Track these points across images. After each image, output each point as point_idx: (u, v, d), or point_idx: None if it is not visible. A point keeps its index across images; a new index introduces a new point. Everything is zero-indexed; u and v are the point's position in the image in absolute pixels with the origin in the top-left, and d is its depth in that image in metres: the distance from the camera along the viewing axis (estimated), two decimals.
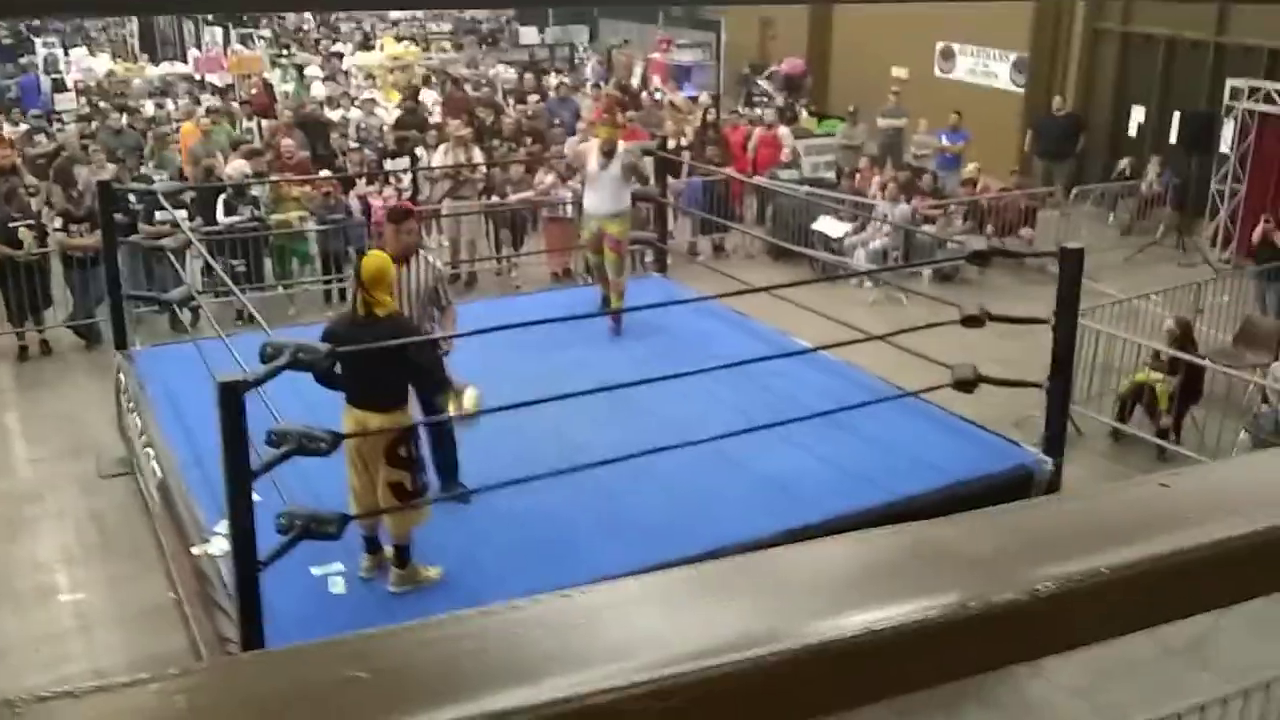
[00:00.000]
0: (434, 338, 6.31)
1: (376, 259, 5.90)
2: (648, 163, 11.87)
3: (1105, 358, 9.83)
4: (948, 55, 19.03)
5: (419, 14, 25.67)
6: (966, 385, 6.84)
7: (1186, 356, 9.25)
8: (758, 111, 17.40)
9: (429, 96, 18.24)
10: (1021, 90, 17.83)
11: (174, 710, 0.61)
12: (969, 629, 0.70)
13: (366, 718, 0.61)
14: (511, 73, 21.53)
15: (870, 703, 0.68)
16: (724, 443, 6.57)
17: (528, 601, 0.67)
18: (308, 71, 20.43)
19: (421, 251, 6.73)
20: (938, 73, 19.11)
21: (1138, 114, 16.57)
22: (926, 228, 13.37)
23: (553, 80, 20.05)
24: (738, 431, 6.60)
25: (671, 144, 14.46)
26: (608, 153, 9.14)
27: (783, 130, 15.97)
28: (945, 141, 16.13)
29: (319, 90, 18.58)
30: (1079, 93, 17.19)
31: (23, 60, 21.80)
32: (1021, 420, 8.62)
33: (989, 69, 18.47)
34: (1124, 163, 16.01)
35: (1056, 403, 7.03)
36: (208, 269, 10.76)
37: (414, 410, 5.94)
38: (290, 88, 19.20)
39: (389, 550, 5.92)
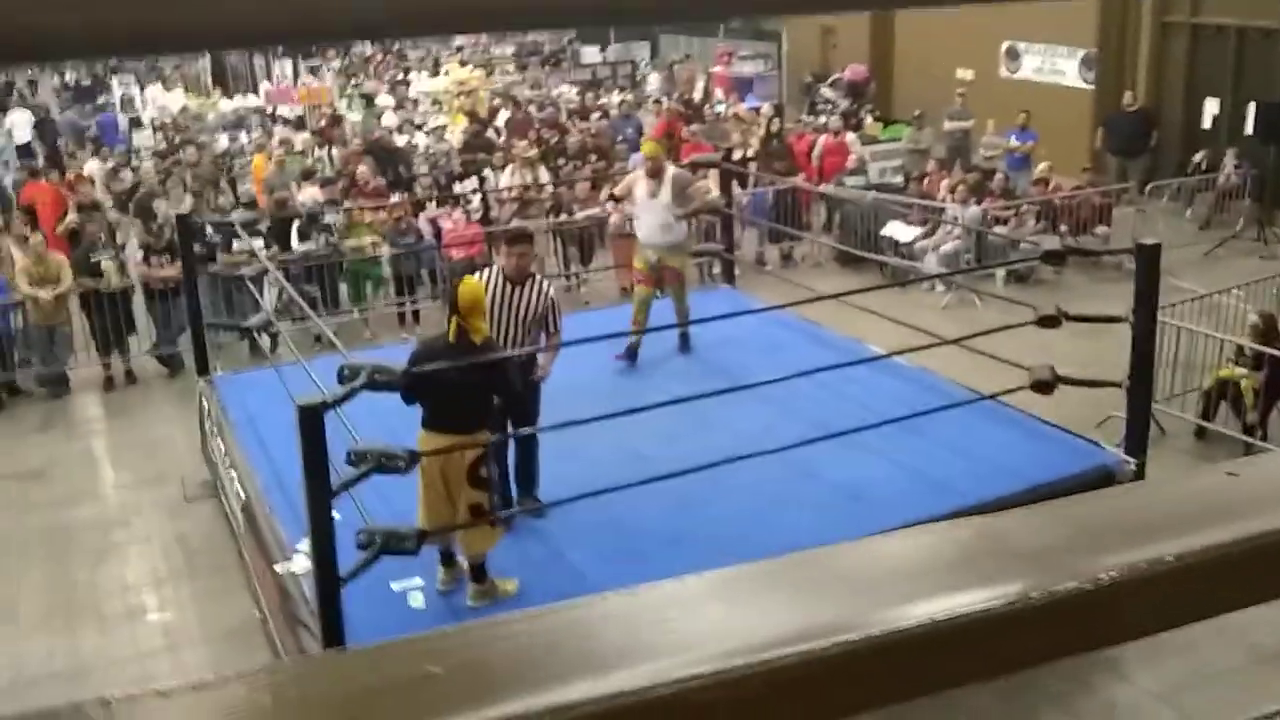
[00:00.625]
0: (511, 353, 6.33)
1: (471, 286, 5.91)
2: (711, 174, 11.87)
3: (1187, 355, 9.62)
4: (1013, 54, 18.82)
5: (482, 38, 25.97)
6: (1045, 387, 6.73)
7: (1271, 351, 9.03)
8: (822, 120, 17.34)
9: (504, 118, 18.44)
10: (1091, 87, 17.56)
11: (258, 707, 0.64)
12: (1032, 619, 0.71)
13: (441, 712, 0.63)
14: (575, 92, 21.70)
15: (934, 693, 0.69)
16: (798, 452, 6.54)
17: (596, 598, 0.69)
18: (377, 100, 20.78)
19: (538, 276, 6.71)
20: (1004, 72, 18.89)
21: (1211, 106, 16.24)
22: (998, 229, 13.21)
23: (615, 98, 20.17)
24: (811, 440, 6.57)
25: (737, 155, 14.49)
26: (654, 175, 8.68)
27: (850, 137, 15.90)
28: (1014, 141, 15.94)
29: (390, 118, 18.87)
30: (1150, 87, 16.89)
31: (100, 100, 22.45)
32: (1103, 421, 8.47)
33: (1056, 67, 18.22)
34: (1199, 156, 15.69)
35: (1138, 402, 6.91)
36: (285, 295, 10.96)
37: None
38: (358, 116, 19.53)
39: (464, 563, 5.98)
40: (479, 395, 5.71)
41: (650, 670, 0.63)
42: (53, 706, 0.61)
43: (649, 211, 8.68)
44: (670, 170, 8.82)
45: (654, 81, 23.32)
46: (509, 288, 6.51)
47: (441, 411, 5.73)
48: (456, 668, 0.65)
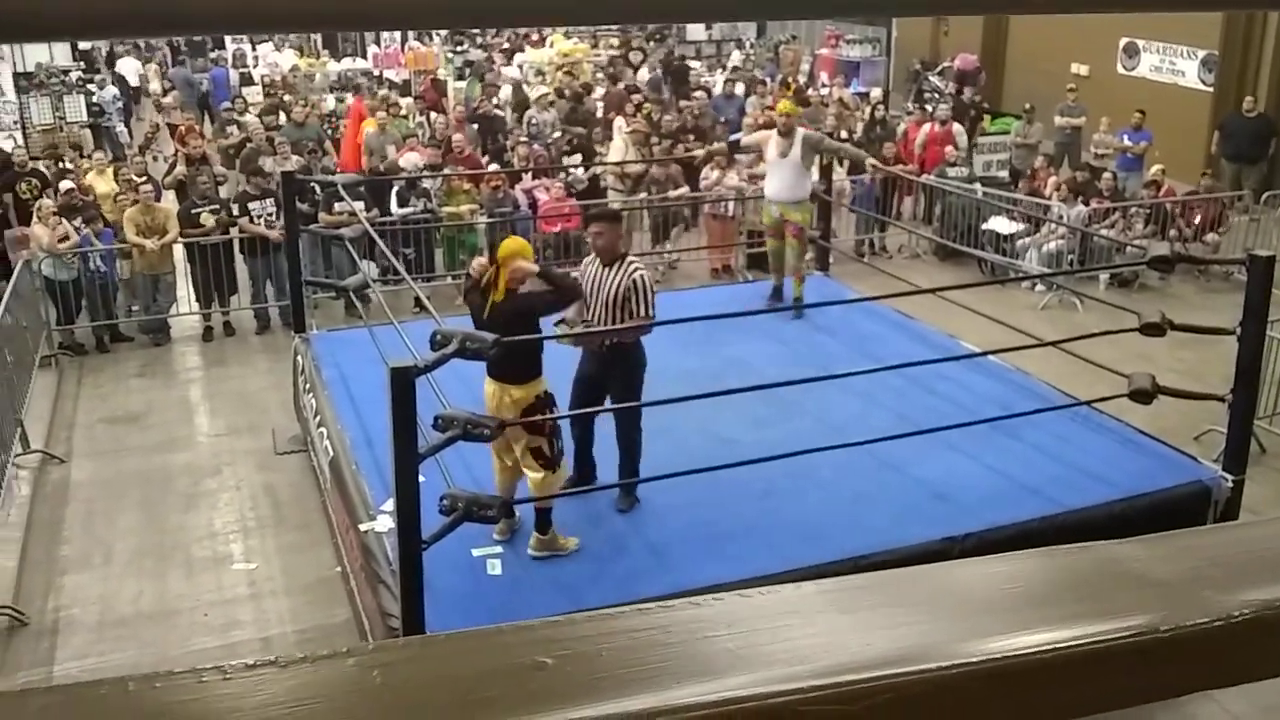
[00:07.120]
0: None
1: (513, 241, 6.28)
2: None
3: None
4: (1132, 51, 18.30)
5: None
6: (1144, 396, 6.56)
7: None
8: (928, 109, 17.05)
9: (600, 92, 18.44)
10: (1210, 89, 17.02)
11: (370, 684, 0.64)
12: (1160, 653, 0.68)
13: (549, 703, 0.62)
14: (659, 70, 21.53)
15: None
16: (885, 446, 6.47)
17: (710, 599, 0.67)
18: (486, 70, 20.87)
19: (628, 259, 6.57)
20: (1120, 69, 18.38)
21: None
22: (1105, 231, 12.89)
23: (719, 77, 20.03)
24: (898, 435, 6.49)
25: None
26: (786, 134, 9.26)
27: (956, 128, 15.62)
28: (1127, 141, 15.52)
29: (494, 88, 18.93)
30: (1272, 92, 16.31)
31: (213, 55, 22.88)
32: (1201, 434, 8.24)
33: (1176, 66, 17.68)
34: None
35: (1239, 417, 6.70)
36: (381, 256, 11.08)
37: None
38: (462, 84, 19.65)
39: (520, 516, 6.17)
40: (515, 346, 5.75)
41: (764, 678, 0.62)
42: (174, 670, 0.62)
43: (779, 169, 9.29)
44: (801, 131, 9.42)
45: (736, 59, 23.07)
46: (600, 269, 6.50)
47: (491, 362, 5.85)
48: (567, 659, 0.65)
